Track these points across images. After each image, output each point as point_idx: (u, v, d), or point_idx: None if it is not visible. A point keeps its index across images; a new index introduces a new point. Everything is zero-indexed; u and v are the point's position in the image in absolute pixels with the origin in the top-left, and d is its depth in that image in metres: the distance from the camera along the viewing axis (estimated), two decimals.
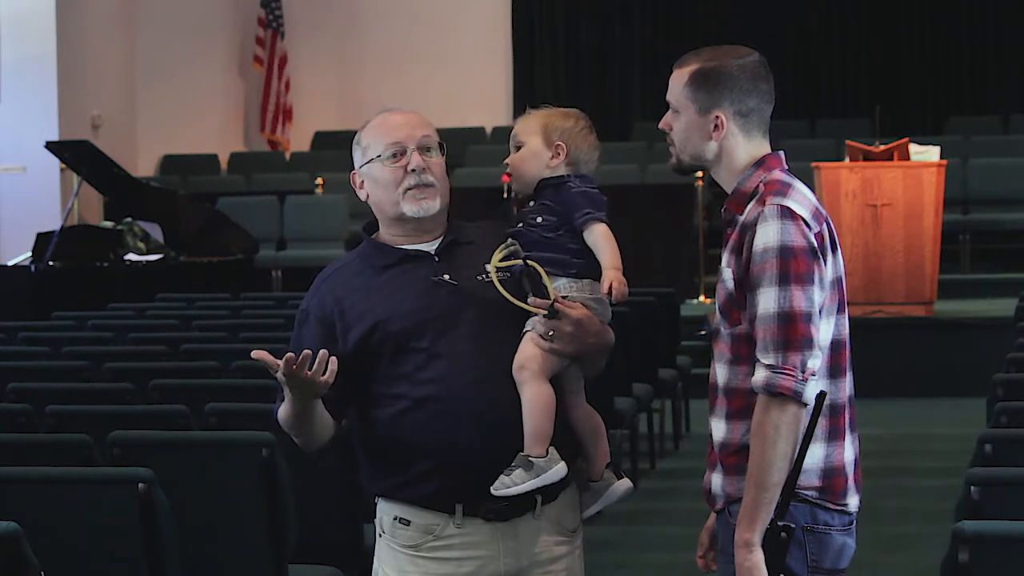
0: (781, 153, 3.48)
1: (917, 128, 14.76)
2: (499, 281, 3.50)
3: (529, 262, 3.51)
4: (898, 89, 16.47)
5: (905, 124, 14.63)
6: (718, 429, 3.44)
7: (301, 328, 3.63)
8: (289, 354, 3.37)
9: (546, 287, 3.49)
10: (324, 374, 3.38)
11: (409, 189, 3.58)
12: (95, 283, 11.34)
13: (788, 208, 3.32)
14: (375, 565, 3.67)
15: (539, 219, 3.56)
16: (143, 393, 6.15)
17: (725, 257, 3.42)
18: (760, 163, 3.44)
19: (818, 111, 16.61)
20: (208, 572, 4.75)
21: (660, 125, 3.52)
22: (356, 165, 3.67)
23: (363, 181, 3.66)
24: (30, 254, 11.74)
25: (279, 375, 3.40)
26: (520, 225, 3.61)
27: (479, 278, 3.55)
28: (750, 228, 3.34)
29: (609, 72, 17.30)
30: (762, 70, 3.46)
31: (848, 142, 11.90)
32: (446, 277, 3.57)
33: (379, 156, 3.60)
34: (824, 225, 3.38)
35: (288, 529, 4.73)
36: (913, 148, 11.41)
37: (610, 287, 3.49)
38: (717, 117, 3.42)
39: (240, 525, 4.76)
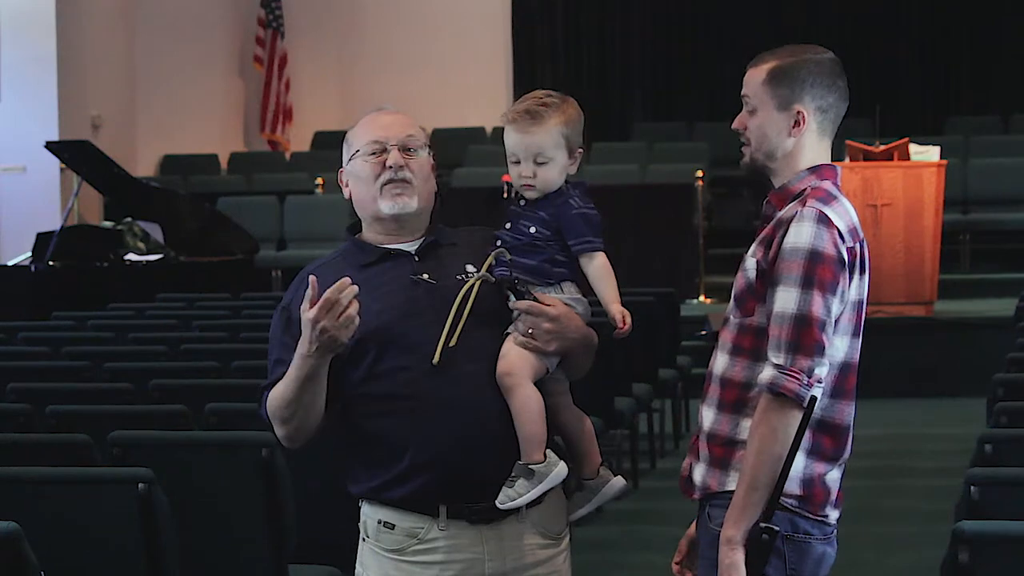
0: (838, 168, 3.46)
1: (917, 128, 14.74)
2: (479, 278, 3.49)
3: (515, 274, 3.50)
4: (898, 89, 16.46)
5: (905, 124, 14.60)
6: (708, 417, 3.42)
7: (289, 327, 3.55)
8: (327, 295, 3.35)
9: (526, 293, 3.48)
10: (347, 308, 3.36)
11: (386, 184, 3.57)
12: (95, 283, 11.34)
13: (826, 215, 3.31)
14: (358, 569, 3.63)
15: (532, 229, 3.54)
16: (143, 393, 6.15)
17: (753, 247, 3.40)
18: (815, 169, 3.42)
19: None
20: (208, 572, 4.75)
21: (734, 125, 3.48)
22: (344, 163, 3.68)
23: (348, 179, 3.67)
24: (30, 254, 11.74)
25: (309, 316, 3.35)
26: (508, 226, 3.59)
27: (458, 277, 3.53)
28: (784, 224, 3.33)
29: (610, 72, 17.31)
30: (838, 68, 3.45)
31: (848, 142, 11.88)
32: (425, 276, 3.56)
33: (359, 152, 3.60)
34: (858, 244, 3.36)
35: (288, 529, 4.73)
36: (913, 148, 11.40)
37: (622, 319, 3.51)
38: (799, 112, 3.39)
39: (240, 525, 4.75)
